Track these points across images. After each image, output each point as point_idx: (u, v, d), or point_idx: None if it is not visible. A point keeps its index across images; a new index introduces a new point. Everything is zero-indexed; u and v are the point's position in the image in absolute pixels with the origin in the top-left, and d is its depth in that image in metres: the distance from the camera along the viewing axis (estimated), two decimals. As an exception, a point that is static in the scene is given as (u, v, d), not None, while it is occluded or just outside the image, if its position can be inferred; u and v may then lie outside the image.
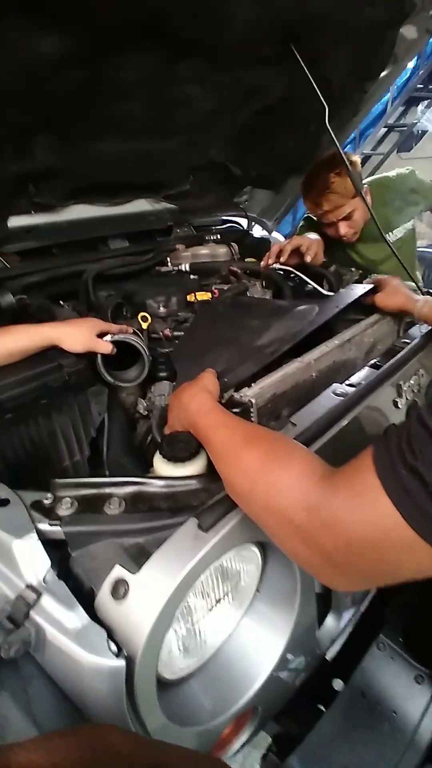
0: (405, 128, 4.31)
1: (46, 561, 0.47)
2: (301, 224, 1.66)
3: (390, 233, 1.51)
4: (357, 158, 1.35)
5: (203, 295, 1.19)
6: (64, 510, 0.52)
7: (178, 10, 0.78)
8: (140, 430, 0.96)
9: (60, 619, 0.44)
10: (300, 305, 1.04)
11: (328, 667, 0.76)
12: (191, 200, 1.51)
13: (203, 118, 1.12)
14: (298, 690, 0.70)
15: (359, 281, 1.49)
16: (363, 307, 1.07)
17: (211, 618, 0.55)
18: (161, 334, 1.07)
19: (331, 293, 1.16)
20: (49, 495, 0.54)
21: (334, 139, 1.03)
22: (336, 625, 0.76)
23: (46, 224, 1.18)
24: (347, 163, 1.11)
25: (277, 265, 1.35)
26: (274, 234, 1.85)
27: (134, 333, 0.92)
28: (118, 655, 0.42)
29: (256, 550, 0.58)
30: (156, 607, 0.44)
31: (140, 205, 1.42)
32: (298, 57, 1.00)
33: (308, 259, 1.26)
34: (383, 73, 1.27)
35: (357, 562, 0.39)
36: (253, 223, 1.78)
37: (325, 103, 1.01)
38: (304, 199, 1.42)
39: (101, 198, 1.26)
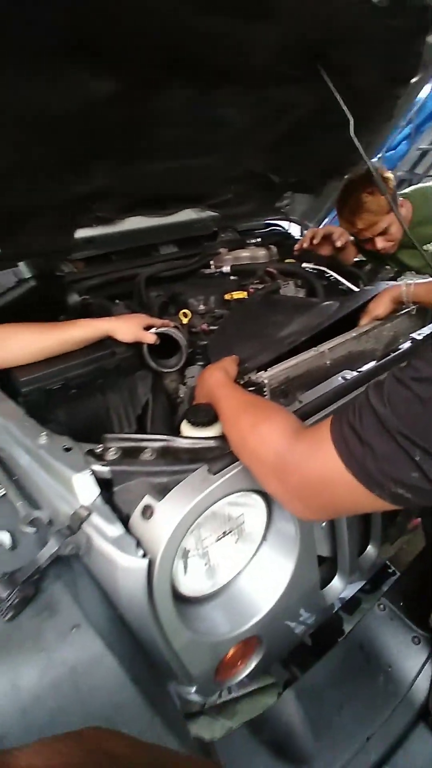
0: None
1: (96, 490, 0.64)
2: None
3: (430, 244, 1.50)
4: (390, 174, 1.38)
5: (239, 294, 1.32)
6: (111, 456, 0.68)
7: (206, 46, 0.92)
8: (179, 413, 1.11)
9: (104, 531, 0.60)
10: (325, 302, 1.15)
11: (330, 621, 0.86)
12: (233, 207, 1.65)
13: (239, 135, 1.26)
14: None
15: (394, 278, 1.55)
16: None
17: (221, 550, 0.69)
18: (200, 328, 1.22)
19: (357, 290, 1.25)
20: (100, 446, 0.71)
21: (361, 150, 1.12)
22: (341, 586, 0.86)
23: (105, 235, 1.38)
24: (378, 177, 1.19)
25: (311, 265, 1.46)
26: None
27: (175, 327, 1.08)
28: (144, 557, 0.58)
29: (260, 501, 0.71)
30: (172, 525, 0.58)
31: (187, 215, 1.58)
32: (324, 75, 1.10)
33: (339, 244, 1.34)
34: (414, 80, 1.33)
35: (314, 497, 0.51)
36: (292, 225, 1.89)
37: (350, 115, 1.11)
38: (339, 218, 1.46)
39: (152, 210, 1.44)
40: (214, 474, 0.63)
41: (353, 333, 1.01)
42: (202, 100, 1.07)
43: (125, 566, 0.58)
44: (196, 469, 0.64)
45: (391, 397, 0.45)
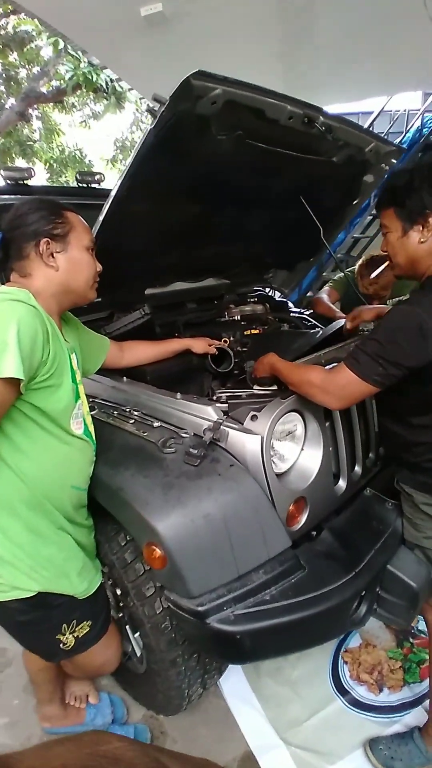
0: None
1: (221, 412, 1.23)
2: (339, 275, 2.50)
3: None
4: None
5: (254, 330, 2.01)
6: (223, 399, 1.28)
7: (246, 191, 1.67)
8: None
9: (232, 426, 1.19)
10: (311, 332, 1.85)
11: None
12: (238, 277, 2.39)
13: (252, 234, 2.01)
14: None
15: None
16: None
17: (285, 445, 1.28)
18: (234, 349, 1.87)
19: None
20: (215, 396, 1.30)
21: (329, 248, 1.91)
22: (344, 483, 1.46)
23: (161, 293, 2.03)
24: (340, 267, 1.98)
25: (297, 312, 2.19)
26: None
27: (227, 345, 1.73)
28: (257, 435, 1.16)
29: (299, 417, 1.31)
30: (269, 419, 1.18)
31: (208, 282, 2.29)
32: (304, 203, 1.89)
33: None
34: (355, 201, 2.18)
35: (341, 393, 1.14)
36: (274, 291, 2.67)
37: (320, 226, 1.89)
38: (359, 280, 2.28)
39: (190, 278, 2.13)
40: (283, 400, 1.24)
41: (337, 345, 1.69)
42: (237, 214, 1.82)
43: (250, 439, 1.16)
44: (274, 398, 1.25)
45: (365, 344, 1.11)
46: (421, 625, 1.77)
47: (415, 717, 1.50)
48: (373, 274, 2.02)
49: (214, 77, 1.13)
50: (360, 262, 2.34)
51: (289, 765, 1.38)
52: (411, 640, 1.79)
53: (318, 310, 2.34)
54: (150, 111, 1.11)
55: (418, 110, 5.34)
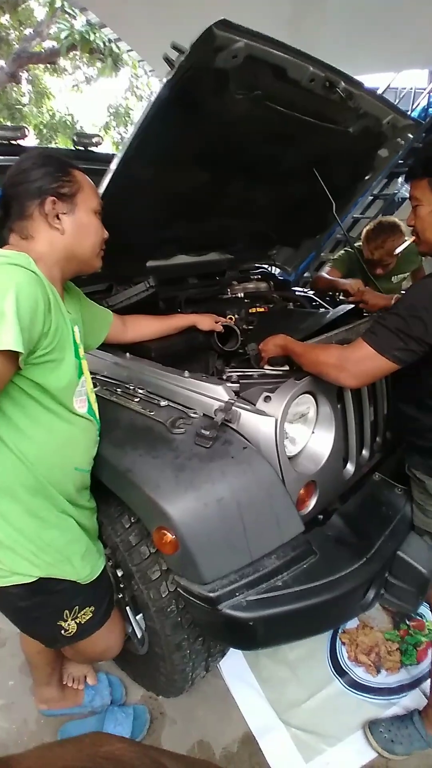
0: (387, 196, 5.31)
1: (233, 392, 1.17)
2: (340, 254, 2.45)
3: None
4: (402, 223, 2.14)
5: (260, 309, 1.94)
6: (234, 379, 1.22)
7: (260, 159, 1.58)
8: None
9: (244, 407, 1.13)
10: (319, 312, 1.79)
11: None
12: (242, 253, 2.30)
13: (259, 208, 1.92)
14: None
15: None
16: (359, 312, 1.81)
17: (297, 428, 1.23)
18: (240, 327, 1.80)
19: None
20: (224, 376, 1.24)
21: (341, 224, 1.84)
22: (352, 467, 1.42)
23: (164, 265, 1.94)
24: (349, 241, 1.91)
25: (301, 291, 2.12)
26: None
27: (233, 322, 1.65)
28: (271, 416, 1.11)
29: (312, 399, 1.26)
30: (283, 401, 1.12)
31: (211, 257, 2.20)
32: (317, 175, 1.81)
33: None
34: (367, 177, 2.09)
35: (358, 369, 1.09)
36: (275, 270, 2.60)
37: (332, 201, 1.81)
38: (365, 245, 2.23)
39: (193, 252, 2.04)
40: (297, 381, 1.19)
41: (345, 327, 1.63)
42: (246, 186, 1.73)
43: (262, 420, 1.11)
44: (288, 379, 1.20)
45: (385, 318, 1.06)
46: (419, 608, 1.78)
47: (413, 699, 1.51)
48: (397, 250, 1.99)
49: (237, 28, 1.04)
50: (367, 227, 2.28)
51: (289, 746, 1.38)
52: (407, 622, 1.80)
53: (320, 285, 2.27)
54: (167, 60, 1.01)
55: (424, 89, 5.19)
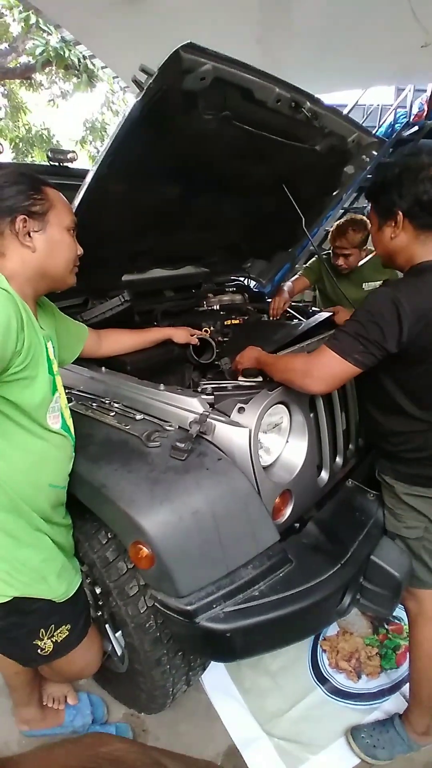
0: (358, 209, 5.47)
1: (207, 404, 1.18)
2: (311, 261, 2.54)
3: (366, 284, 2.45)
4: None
5: (235, 321, 1.97)
6: (209, 391, 1.24)
7: (230, 175, 1.62)
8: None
9: (219, 419, 1.15)
10: (292, 323, 1.83)
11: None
12: (216, 266, 2.33)
13: (231, 220, 1.96)
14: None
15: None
16: (330, 324, 1.85)
17: (271, 438, 1.25)
18: (216, 339, 1.82)
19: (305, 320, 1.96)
20: (199, 388, 1.26)
21: (310, 238, 1.88)
22: (327, 474, 1.45)
23: (139, 279, 1.96)
24: (319, 254, 1.97)
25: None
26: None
27: (209, 335, 1.68)
28: (245, 427, 1.13)
29: (285, 409, 1.29)
30: (257, 411, 1.14)
31: (187, 270, 2.23)
32: (287, 191, 1.86)
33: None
34: (335, 192, 2.16)
35: (323, 373, 1.12)
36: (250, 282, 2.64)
37: (302, 215, 1.86)
38: (332, 236, 2.35)
39: (168, 265, 2.06)
40: (270, 391, 1.21)
41: (316, 338, 1.67)
42: (217, 200, 1.76)
43: (236, 432, 1.12)
44: (261, 390, 1.22)
45: (347, 325, 1.10)
46: (396, 612, 1.81)
47: (393, 703, 1.53)
48: (361, 262, 2.26)
49: (204, 51, 1.07)
50: (331, 229, 2.44)
51: (273, 757, 1.38)
52: (386, 626, 1.83)
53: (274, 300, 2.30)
54: (136, 82, 1.04)
55: (391, 105, 5.40)
